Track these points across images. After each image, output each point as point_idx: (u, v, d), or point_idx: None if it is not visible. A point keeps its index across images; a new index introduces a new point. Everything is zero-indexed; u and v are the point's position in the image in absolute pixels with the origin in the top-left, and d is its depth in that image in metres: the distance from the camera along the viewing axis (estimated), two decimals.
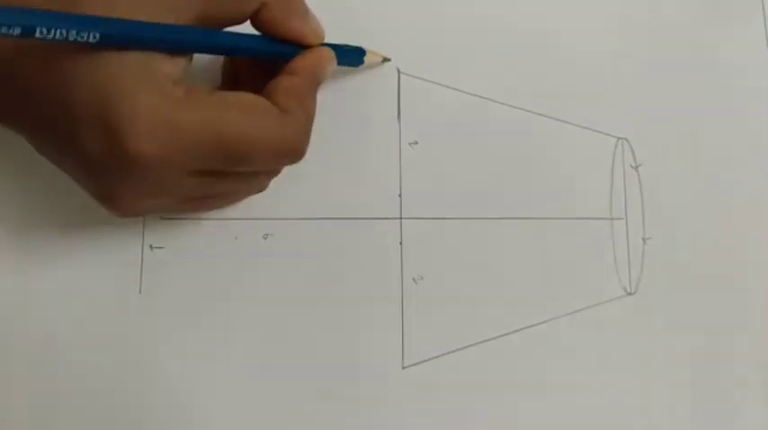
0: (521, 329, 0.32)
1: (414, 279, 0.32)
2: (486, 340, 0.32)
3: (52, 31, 0.19)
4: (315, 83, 0.27)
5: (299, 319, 0.31)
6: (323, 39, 0.27)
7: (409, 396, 0.31)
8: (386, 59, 0.33)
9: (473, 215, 0.33)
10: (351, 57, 0.31)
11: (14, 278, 0.30)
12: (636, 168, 0.35)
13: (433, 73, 0.34)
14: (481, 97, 0.34)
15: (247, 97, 0.24)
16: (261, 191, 0.29)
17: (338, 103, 0.32)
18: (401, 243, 0.32)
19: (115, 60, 0.21)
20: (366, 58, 0.31)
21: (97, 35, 0.20)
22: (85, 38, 0.20)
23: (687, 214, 0.35)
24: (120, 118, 0.21)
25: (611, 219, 0.34)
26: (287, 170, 0.29)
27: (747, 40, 0.37)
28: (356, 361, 0.31)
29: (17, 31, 0.19)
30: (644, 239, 0.34)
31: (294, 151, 0.25)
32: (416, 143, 0.33)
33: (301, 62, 0.26)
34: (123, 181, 0.22)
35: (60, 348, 0.29)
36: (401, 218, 0.32)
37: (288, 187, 0.30)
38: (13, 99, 0.22)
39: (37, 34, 0.19)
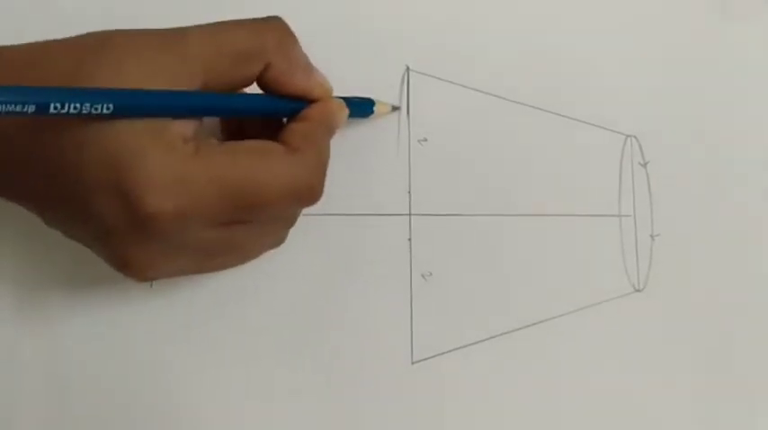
0: (529, 326, 0.32)
1: (423, 275, 0.32)
2: (495, 336, 0.32)
3: (66, 106, 0.19)
4: (326, 129, 0.26)
5: (309, 315, 0.31)
6: (331, 92, 0.27)
7: (418, 391, 0.31)
8: (395, 108, 0.33)
9: (482, 212, 0.33)
10: (360, 108, 0.31)
11: (26, 270, 0.30)
12: (644, 165, 0.35)
13: (442, 70, 0.34)
14: (490, 94, 0.34)
15: (257, 142, 0.24)
16: (279, 243, 0.28)
17: None
18: (410, 239, 0.32)
19: (125, 127, 0.21)
20: (376, 109, 0.31)
21: (111, 106, 0.20)
22: (99, 110, 0.20)
23: (695, 211, 0.35)
24: (132, 180, 0.21)
25: (620, 216, 0.34)
26: None
27: (757, 38, 0.37)
28: (365, 356, 0.31)
29: (31, 109, 0.19)
30: (652, 236, 0.34)
31: (308, 190, 0.25)
32: (425, 140, 0.33)
33: (312, 110, 0.26)
34: (141, 244, 0.22)
35: (70, 343, 0.30)
36: (410, 214, 0.32)
37: None
38: (22, 175, 0.22)
39: (51, 110, 0.19)
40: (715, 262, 0.34)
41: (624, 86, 0.35)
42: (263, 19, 0.25)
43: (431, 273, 0.32)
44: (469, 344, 0.32)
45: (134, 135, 0.21)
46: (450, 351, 0.32)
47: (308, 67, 0.26)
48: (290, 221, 0.28)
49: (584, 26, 0.36)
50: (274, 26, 0.25)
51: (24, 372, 0.29)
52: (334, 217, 0.32)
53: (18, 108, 0.18)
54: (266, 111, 0.26)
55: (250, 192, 0.23)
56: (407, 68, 0.33)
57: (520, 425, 0.32)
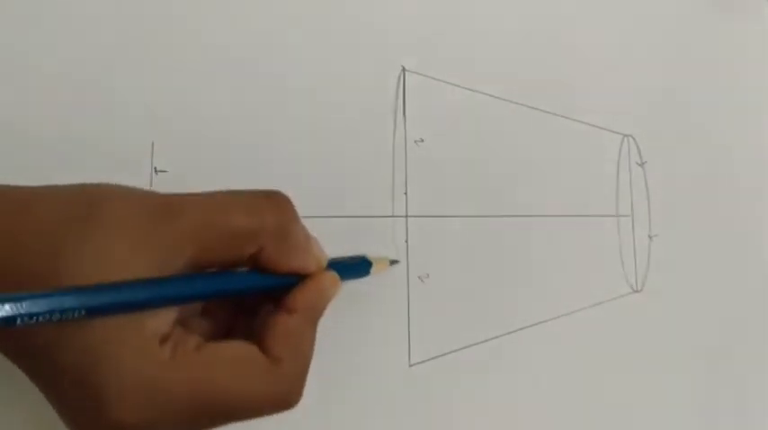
0: (527, 327, 0.32)
1: (420, 277, 0.32)
2: (493, 338, 0.32)
3: (35, 318, 0.19)
4: (315, 317, 0.25)
5: None
6: (326, 262, 0.26)
7: (416, 393, 0.31)
8: (393, 261, 0.31)
9: (479, 213, 0.33)
10: (356, 270, 0.29)
11: None
12: (642, 165, 0.35)
13: (438, 70, 0.34)
14: (487, 95, 0.34)
15: (237, 350, 0.23)
16: None
17: (343, 100, 0.32)
18: (407, 241, 0.32)
19: (99, 328, 0.20)
20: (373, 269, 0.29)
21: (83, 312, 0.19)
22: (71, 316, 0.19)
23: (693, 211, 0.35)
24: (104, 387, 0.20)
25: (618, 216, 0.34)
26: (292, 168, 0.28)
27: (754, 37, 0.37)
28: (363, 358, 0.31)
29: None
30: (650, 236, 0.34)
31: (284, 404, 0.24)
32: (422, 141, 0.33)
33: (301, 297, 0.24)
34: None
35: None
36: (407, 215, 0.32)
37: (293, 185, 0.30)
38: (13, 351, 0.22)
39: (18, 323, 0.18)
40: (713, 262, 0.34)
41: (621, 86, 0.35)
42: (263, 194, 0.23)
43: (428, 275, 0.32)
44: (467, 347, 0.32)
45: (108, 337, 0.20)
46: (447, 353, 0.31)
47: (306, 245, 0.25)
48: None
49: (582, 26, 0.35)
50: (275, 204, 0.24)
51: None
52: (330, 219, 0.32)
53: None
54: (254, 291, 0.24)
55: (224, 407, 0.22)
56: (403, 69, 0.33)
57: (518, 426, 0.31)
